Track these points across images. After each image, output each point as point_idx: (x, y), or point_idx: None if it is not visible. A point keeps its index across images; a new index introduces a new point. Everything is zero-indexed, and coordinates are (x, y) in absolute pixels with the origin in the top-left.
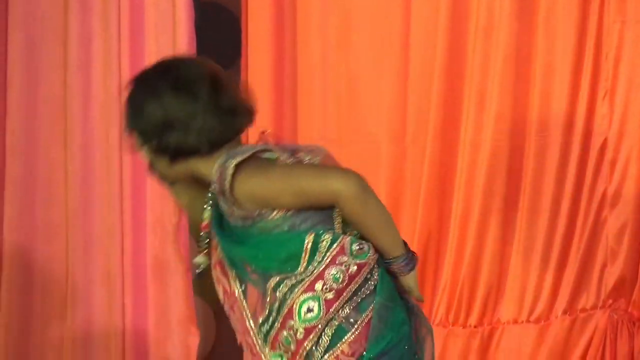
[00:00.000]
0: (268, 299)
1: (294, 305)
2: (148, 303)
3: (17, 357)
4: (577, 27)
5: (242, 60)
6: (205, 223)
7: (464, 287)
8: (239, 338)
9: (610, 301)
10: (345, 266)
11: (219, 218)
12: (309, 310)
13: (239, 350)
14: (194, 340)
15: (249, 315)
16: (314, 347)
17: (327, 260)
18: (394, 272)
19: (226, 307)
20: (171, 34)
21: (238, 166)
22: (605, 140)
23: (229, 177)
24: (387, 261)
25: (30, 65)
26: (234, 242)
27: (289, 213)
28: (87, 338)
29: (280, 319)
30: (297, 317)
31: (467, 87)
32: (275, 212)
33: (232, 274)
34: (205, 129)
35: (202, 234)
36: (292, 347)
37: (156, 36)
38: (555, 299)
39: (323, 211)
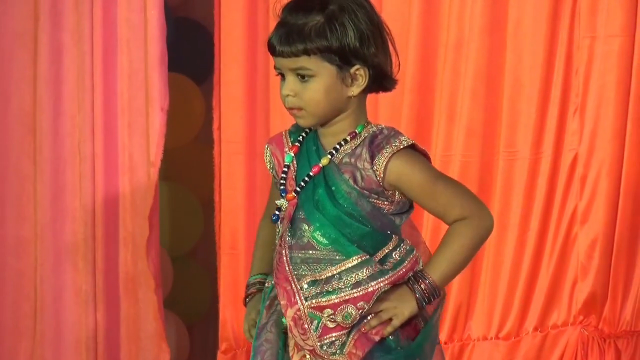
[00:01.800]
0: (337, 269)
1: (376, 293)
2: (120, 319)
3: None
4: (547, 43)
5: (215, 76)
6: (318, 167)
7: None
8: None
9: (581, 317)
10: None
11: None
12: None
13: None
14: (165, 357)
15: (290, 267)
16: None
17: (407, 266)
18: (403, 281)
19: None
20: (143, 50)
21: (407, 146)
22: (576, 156)
23: (399, 144)
24: (420, 272)
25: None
26: (331, 198)
27: (397, 215)
28: (57, 354)
29: (350, 295)
30: (372, 302)
31: (437, 102)
32: (391, 202)
33: (302, 227)
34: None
35: (308, 175)
36: (350, 322)
37: (129, 52)
38: (525, 315)
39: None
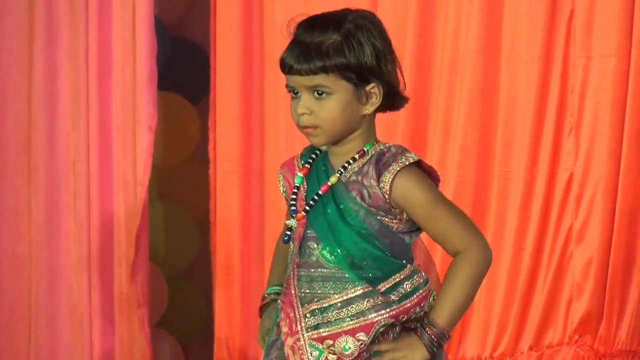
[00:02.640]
0: (340, 298)
1: (376, 325)
2: (115, 338)
3: None
4: (542, 62)
5: (211, 95)
6: (327, 185)
7: None
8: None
9: (577, 337)
10: (422, 312)
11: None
12: (383, 333)
13: None
14: None
15: (297, 296)
16: None
17: (414, 300)
18: (411, 327)
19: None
20: (134, 69)
21: (413, 163)
22: (571, 175)
23: (405, 161)
24: (426, 318)
25: None
26: (341, 217)
27: (406, 234)
28: None
29: (350, 326)
30: (371, 334)
31: (432, 122)
32: (400, 220)
33: (311, 245)
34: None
35: (317, 194)
36: (348, 354)
37: (123, 71)
38: (521, 334)
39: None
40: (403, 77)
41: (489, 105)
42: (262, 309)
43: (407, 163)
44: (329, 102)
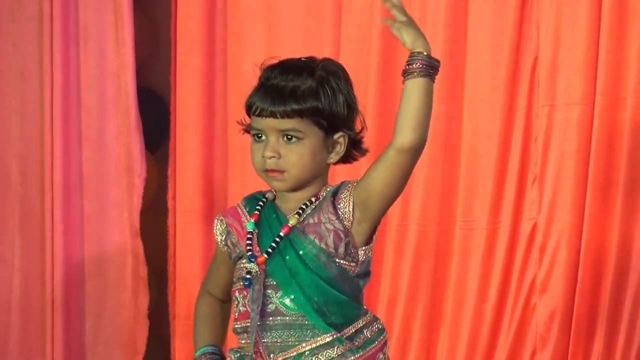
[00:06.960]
0: (308, 346)
1: None
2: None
3: None
4: (505, 110)
5: (170, 144)
6: (287, 227)
7: None
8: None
9: None
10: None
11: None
12: None
13: None
14: None
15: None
16: None
17: (377, 346)
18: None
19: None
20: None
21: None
22: (535, 225)
23: (350, 186)
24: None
25: None
26: (302, 264)
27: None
28: None
29: None
30: None
31: None
32: (356, 263)
33: (269, 294)
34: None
35: (278, 236)
36: None
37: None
38: None
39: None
40: (366, 125)
41: (451, 154)
42: None
43: (354, 184)
44: (300, 147)
